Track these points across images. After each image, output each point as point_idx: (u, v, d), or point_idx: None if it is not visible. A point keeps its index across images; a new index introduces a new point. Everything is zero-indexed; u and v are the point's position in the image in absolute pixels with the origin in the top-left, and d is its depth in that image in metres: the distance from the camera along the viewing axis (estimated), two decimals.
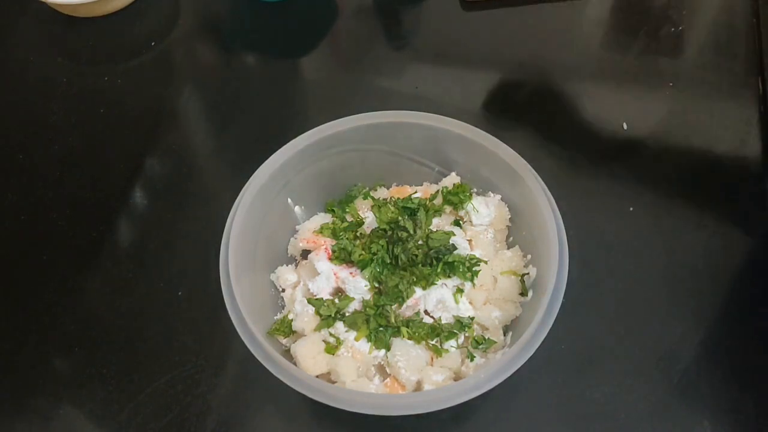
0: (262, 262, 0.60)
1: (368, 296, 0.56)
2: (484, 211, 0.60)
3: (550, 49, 0.81)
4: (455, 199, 0.61)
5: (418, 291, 0.56)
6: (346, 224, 0.61)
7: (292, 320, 0.57)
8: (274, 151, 0.59)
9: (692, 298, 0.63)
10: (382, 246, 0.57)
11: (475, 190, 0.63)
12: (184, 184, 0.74)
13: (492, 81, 0.79)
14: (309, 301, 0.57)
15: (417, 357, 0.54)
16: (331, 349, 0.55)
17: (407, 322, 0.55)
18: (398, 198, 0.62)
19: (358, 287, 0.57)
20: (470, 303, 0.57)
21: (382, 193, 0.65)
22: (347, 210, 0.64)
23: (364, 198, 0.64)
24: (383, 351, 0.55)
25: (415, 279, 0.56)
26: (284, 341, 0.57)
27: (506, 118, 0.75)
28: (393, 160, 0.64)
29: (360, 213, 0.63)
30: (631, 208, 0.69)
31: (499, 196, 0.62)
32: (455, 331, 0.55)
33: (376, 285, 0.57)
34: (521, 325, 0.57)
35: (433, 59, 0.82)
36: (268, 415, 0.60)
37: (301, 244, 0.62)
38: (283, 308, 0.60)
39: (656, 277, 0.65)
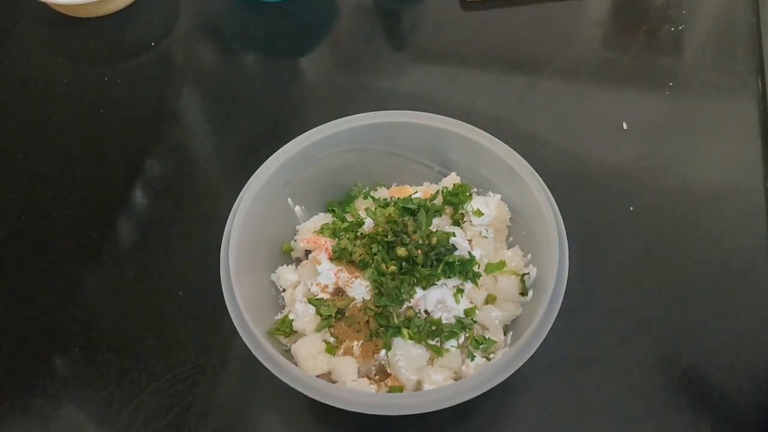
0: (262, 262, 0.60)
1: (369, 296, 0.56)
2: (484, 211, 0.60)
3: (549, 49, 0.82)
4: (455, 199, 0.61)
5: (419, 291, 0.56)
6: (346, 224, 0.61)
7: (292, 320, 0.57)
8: (274, 151, 0.59)
9: (693, 298, 0.63)
10: (380, 250, 0.57)
11: (475, 190, 0.63)
12: (184, 184, 0.74)
13: (491, 80, 0.80)
14: (309, 301, 0.57)
15: (417, 357, 0.54)
16: (332, 349, 0.55)
17: (408, 322, 0.55)
18: (398, 198, 0.62)
19: (359, 287, 0.57)
20: (470, 303, 0.57)
21: (382, 193, 0.65)
22: (347, 210, 0.64)
23: (365, 198, 0.64)
24: (383, 351, 0.55)
25: (415, 280, 0.56)
26: (284, 341, 0.57)
27: (506, 117, 0.75)
28: (393, 160, 0.64)
29: (360, 213, 0.63)
30: (631, 208, 0.69)
31: (499, 196, 0.62)
32: (455, 330, 0.55)
33: (377, 285, 0.57)
34: (521, 325, 0.57)
35: (432, 59, 0.82)
36: (268, 415, 0.60)
37: (301, 244, 0.62)
38: (284, 308, 0.60)
39: (656, 276, 0.65)
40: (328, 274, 0.58)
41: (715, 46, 0.80)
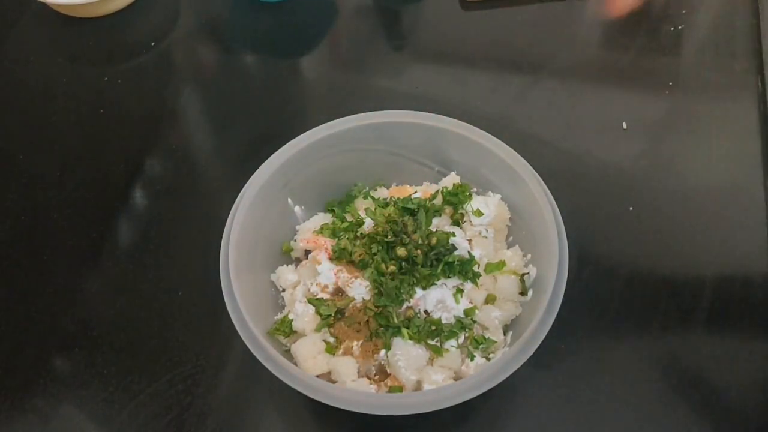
0: (262, 262, 0.60)
1: (368, 296, 0.56)
2: (484, 211, 0.60)
3: (549, 49, 0.81)
4: (455, 199, 0.61)
5: (418, 291, 0.56)
6: (346, 224, 0.61)
7: (292, 320, 0.57)
8: (274, 151, 0.59)
9: (692, 298, 0.63)
10: (380, 250, 0.57)
11: (475, 190, 0.63)
12: (184, 184, 0.74)
13: (491, 80, 0.80)
14: (309, 301, 0.57)
15: (417, 357, 0.54)
16: (331, 349, 0.55)
17: (407, 322, 0.55)
18: (398, 198, 0.62)
19: (359, 287, 0.57)
20: (470, 303, 0.57)
21: (382, 193, 0.65)
22: (347, 210, 0.64)
23: (365, 198, 0.64)
24: (383, 351, 0.55)
25: (415, 280, 0.56)
26: (284, 341, 0.57)
27: (506, 117, 0.75)
28: (393, 160, 0.64)
29: (360, 213, 0.63)
30: (631, 208, 0.69)
31: (499, 196, 0.62)
32: (455, 330, 0.55)
33: (377, 285, 0.57)
34: (521, 324, 0.57)
35: (432, 59, 0.82)
36: (268, 415, 0.60)
37: (301, 244, 0.62)
38: (284, 308, 0.60)
39: (656, 276, 0.65)
40: (327, 274, 0.58)
41: (715, 46, 0.80)
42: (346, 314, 0.56)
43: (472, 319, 0.57)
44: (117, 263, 0.68)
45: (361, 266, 0.57)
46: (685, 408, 0.58)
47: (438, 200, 0.62)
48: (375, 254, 0.57)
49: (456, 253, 0.58)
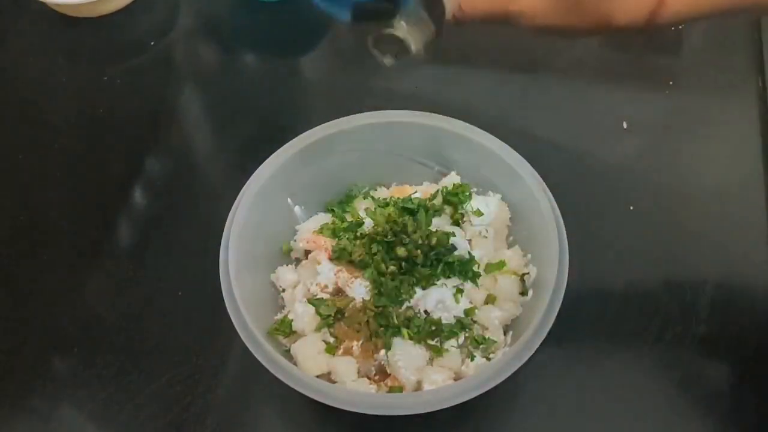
0: (262, 262, 0.60)
1: (368, 296, 0.56)
2: (484, 211, 0.60)
3: (549, 49, 0.81)
4: (455, 199, 0.61)
5: (418, 291, 0.56)
6: (346, 224, 0.61)
7: (292, 320, 0.57)
8: (274, 151, 0.59)
9: (692, 298, 0.63)
10: (380, 250, 0.57)
11: (475, 189, 0.63)
12: (184, 184, 0.73)
13: (491, 80, 0.79)
14: (309, 301, 0.57)
15: (417, 357, 0.54)
16: (331, 349, 0.55)
17: (407, 322, 0.55)
18: (398, 198, 0.62)
19: (359, 287, 0.57)
20: (470, 303, 0.57)
21: (382, 193, 0.65)
22: (347, 210, 0.64)
23: (364, 198, 0.64)
24: (383, 351, 0.55)
25: (415, 280, 0.56)
26: (284, 341, 0.57)
27: (506, 117, 0.75)
28: (393, 160, 0.64)
29: (360, 213, 0.63)
30: (631, 208, 0.68)
31: (499, 196, 0.62)
32: (455, 330, 0.55)
33: (377, 285, 0.57)
34: (521, 324, 0.57)
35: (433, 59, 0.82)
36: (268, 415, 0.60)
37: (301, 244, 0.62)
38: (283, 308, 0.60)
39: (656, 276, 0.65)
40: (327, 274, 0.58)
41: (715, 45, 0.80)
42: (346, 314, 0.56)
43: (472, 319, 0.57)
44: (117, 263, 0.68)
45: (361, 266, 0.57)
46: (686, 408, 0.58)
47: (438, 200, 0.62)
48: (375, 254, 0.57)
49: (456, 253, 0.58)
